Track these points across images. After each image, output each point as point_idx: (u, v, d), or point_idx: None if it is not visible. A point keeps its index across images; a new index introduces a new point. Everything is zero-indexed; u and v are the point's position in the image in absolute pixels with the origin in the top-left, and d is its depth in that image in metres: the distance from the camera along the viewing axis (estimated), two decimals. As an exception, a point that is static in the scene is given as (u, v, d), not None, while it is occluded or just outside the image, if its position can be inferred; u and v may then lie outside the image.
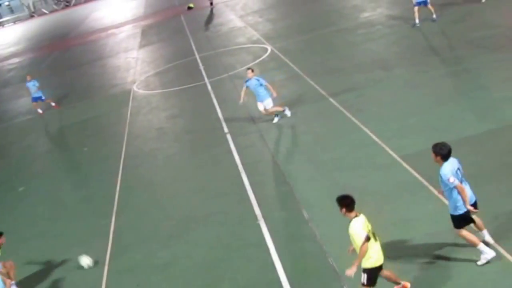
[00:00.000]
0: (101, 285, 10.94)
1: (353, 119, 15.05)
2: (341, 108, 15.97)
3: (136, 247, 11.90)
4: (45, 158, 19.33)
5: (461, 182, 8.36)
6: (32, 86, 24.55)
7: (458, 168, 8.43)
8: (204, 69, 24.62)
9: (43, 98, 24.68)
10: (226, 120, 17.65)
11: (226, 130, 16.84)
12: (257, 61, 23.71)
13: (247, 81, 16.20)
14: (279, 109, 16.41)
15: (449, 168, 8.27)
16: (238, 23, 33.87)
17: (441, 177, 8.30)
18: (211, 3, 44.50)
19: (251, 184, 13.01)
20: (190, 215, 12.58)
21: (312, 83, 18.89)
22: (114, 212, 13.68)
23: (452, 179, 8.22)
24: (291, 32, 27.45)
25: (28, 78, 24.85)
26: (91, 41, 44.73)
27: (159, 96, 22.72)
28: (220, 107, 19.03)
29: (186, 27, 37.93)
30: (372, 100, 16.04)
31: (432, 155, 8.36)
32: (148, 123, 19.74)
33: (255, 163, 14.12)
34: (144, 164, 16.14)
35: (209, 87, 21.72)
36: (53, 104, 25.14)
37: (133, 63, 30.90)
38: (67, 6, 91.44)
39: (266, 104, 16.21)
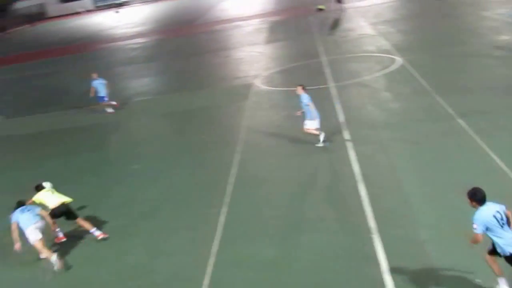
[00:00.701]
0: (204, 274, 11.23)
1: (481, 143, 14.61)
2: (469, 131, 15.53)
3: (244, 242, 12.14)
4: (160, 139, 20.09)
5: (502, 226, 8.48)
6: (100, 84, 24.14)
7: (498, 211, 8.53)
8: (329, 73, 24.68)
9: (105, 99, 24.26)
10: (347, 126, 17.62)
11: (346, 137, 16.81)
12: (384, 71, 23.46)
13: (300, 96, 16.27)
14: (315, 133, 16.40)
15: (483, 214, 8.47)
16: (368, 30, 33.62)
17: None
18: (339, 1, 44.54)
19: (368, 195, 12.93)
20: (301, 218, 12.68)
21: (440, 100, 18.48)
22: (225, 203, 14.01)
23: (475, 225, 8.44)
24: (422, 46, 26.94)
25: (94, 76, 24.27)
26: (217, 30, 45.97)
27: (280, 94, 23.00)
28: (342, 113, 19.01)
29: (314, 28, 38.11)
30: (504, 127, 15.47)
31: (468, 200, 8.62)
32: (267, 119, 20.05)
33: (374, 175, 14.01)
34: (259, 160, 16.41)
35: (333, 92, 21.75)
36: (111, 105, 24.64)
37: (257, 57, 31.46)
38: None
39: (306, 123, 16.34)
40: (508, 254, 8.55)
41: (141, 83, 30.42)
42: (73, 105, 27.47)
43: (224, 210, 13.67)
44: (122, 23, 66.37)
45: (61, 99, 29.76)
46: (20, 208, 12.68)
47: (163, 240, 12.81)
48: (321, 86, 22.77)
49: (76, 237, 13.66)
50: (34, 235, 12.40)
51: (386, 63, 24.69)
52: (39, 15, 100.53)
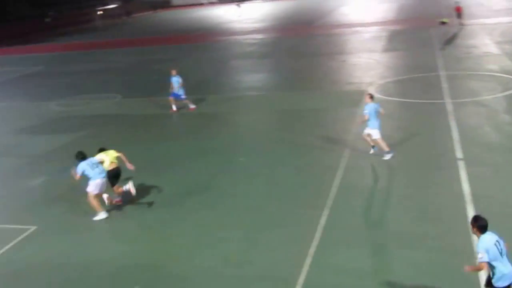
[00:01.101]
0: (299, 274, 11.28)
1: None
2: None
3: (342, 247, 12.08)
4: (268, 135, 20.31)
5: (502, 256, 8.61)
6: (175, 81, 24.18)
7: (498, 241, 8.67)
8: (446, 88, 24.04)
9: (182, 97, 24.26)
10: (460, 145, 17.11)
11: (458, 155, 16.33)
12: (506, 93, 22.57)
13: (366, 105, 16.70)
14: (384, 147, 16.61)
15: (485, 241, 8.57)
16: (492, 49, 32.42)
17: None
18: (459, 16, 43.27)
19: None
20: (402, 231, 12.46)
21: None
22: (327, 206, 14.00)
23: (480, 255, 8.50)
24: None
25: (173, 72, 24.03)
26: (334, 34, 45.84)
27: (393, 104, 22.64)
28: (456, 131, 18.47)
29: (434, 41, 37.19)
30: None
31: (470, 226, 8.80)
32: (377, 128, 19.81)
33: (484, 197, 13.53)
34: (365, 168, 16.26)
35: (448, 108, 21.16)
36: (191, 106, 24.55)
37: (373, 65, 31.12)
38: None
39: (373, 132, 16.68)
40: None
41: (254, 78, 30.88)
42: (188, 92, 28.33)
43: (325, 212, 13.66)
44: (242, 18, 67.60)
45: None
46: (86, 162, 14.50)
47: (263, 234, 12.96)
48: (436, 101, 22.22)
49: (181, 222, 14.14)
50: (96, 189, 14.41)
51: (509, 85, 23.73)
52: (163, 3, 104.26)
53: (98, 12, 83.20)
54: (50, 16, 78.67)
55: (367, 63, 31.75)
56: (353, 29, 47.83)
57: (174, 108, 24.57)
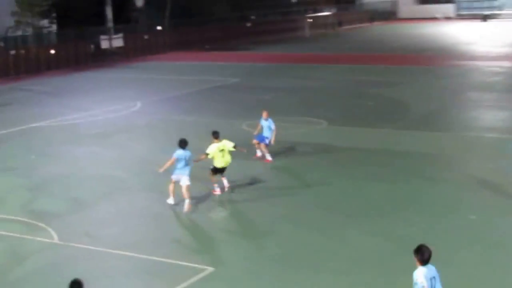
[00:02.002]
0: None
1: None
2: None
3: None
4: (508, 189, 19.40)
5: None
6: (267, 127, 23.44)
7: (434, 277, 10.10)
8: None
9: (266, 142, 23.46)
10: None
11: None
12: None
13: None
14: None
15: (424, 271, 10.00)
16: None
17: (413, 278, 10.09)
18: None
19: None
20: None
21: None
22: None
23: (420, 280, 9.94)
24: None
25: (264, 115, 23.62)
26: None
27: None
28: None
29: None
30: None
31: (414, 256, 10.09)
32: None
33: None
34: None
35: None
36: (268, 158, 23.61)
37: None
38: None
39: None
40: None
41: (497, 117, 29.76)
42: (409, 126, 28.06)
43: None
44: (485, 39, 65.77)
45: (395, 115, 30.55)
46: (184, 153, 18.63)
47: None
48: None
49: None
50: (186, 181, 18.55)
51: None
52: (388, 14, 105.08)
53: (308, 20, 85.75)
54: (251, 21, 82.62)
55: None
56: None
57: (258, 153, 23.96)
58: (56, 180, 22.22)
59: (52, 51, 56.38)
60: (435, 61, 51.50)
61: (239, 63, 55.44)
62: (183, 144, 18.78)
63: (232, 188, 20.27)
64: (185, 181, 18.63)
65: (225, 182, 20.20)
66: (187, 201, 18.60)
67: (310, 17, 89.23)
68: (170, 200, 19.07)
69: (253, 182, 21.21)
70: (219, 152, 19.68)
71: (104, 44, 62.51)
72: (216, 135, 19.84)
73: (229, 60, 58.43)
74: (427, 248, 10.09)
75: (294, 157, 24.23)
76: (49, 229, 17.44)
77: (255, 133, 24.21)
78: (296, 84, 41.61)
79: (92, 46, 61.31)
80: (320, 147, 25.54)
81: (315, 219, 17.76)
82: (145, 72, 51.49)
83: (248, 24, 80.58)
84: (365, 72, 46.01)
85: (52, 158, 25.32)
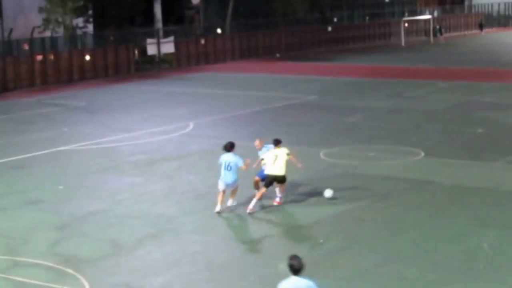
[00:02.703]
0: None
1: None
2: None
3: None
4: None
5: None
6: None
7: None
8: None
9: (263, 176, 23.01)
10: None
11: None
12: None
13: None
14: None
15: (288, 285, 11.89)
16: None
17: None
18: None
19: None
20: None
21: None
22: None
23: None
24: None
25: (258, 144, 23.41)
26: None
27: None
28: None
29: None
30: None
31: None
32: None
33: None
34: None
35: None
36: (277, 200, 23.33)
37: None
38: None
39: None
40: None
41: None
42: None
43: None
44: None
45: (510, 146, 30.24)
46: (229, 157, 22.40)
47: None
48: None
49: None
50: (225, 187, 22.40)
51: None
52: (505, 19, 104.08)
53: (404, 25, 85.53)
54: (333, 25, 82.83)
55: None
56: None
57: (277, 199, 23.46)
58: (89, 217, 22.57)
59: (88, 57, 57.47)
60: None
61: (317, 76, 55.66)
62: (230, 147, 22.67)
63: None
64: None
65: (278, 195, 23.30)
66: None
67: (407, 21, 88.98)
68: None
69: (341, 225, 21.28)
70: (273, 156, 22.44)
71: (151, 50, 63.41)
72: (277, 143, 22.83)
73: (306, 72, 58.72)
74: (298, 259, 12.00)
75: (384, 195, 24.14)
76: (79, 277, 17.68)
77: (254, 165, 23.42)
78: (388, 104, 41.57)
79: (136, 52, 62.24)
80: (415, 184, 25.45)
81: (409, 275, 17.66)
82: (200, 85, 52.16)
83: (329, 29, 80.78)
84: (474, 91, 45.69)
85: (84, 190, 25.77)
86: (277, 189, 23.21)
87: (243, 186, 22.97)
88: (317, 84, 50.46)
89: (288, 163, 22.72)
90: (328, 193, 23.44)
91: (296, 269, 11.79)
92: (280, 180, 22.75)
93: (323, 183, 25.49)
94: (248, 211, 22.24)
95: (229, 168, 22.22)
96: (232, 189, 22.63)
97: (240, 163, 22.29)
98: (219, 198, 22.37)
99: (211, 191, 24.34)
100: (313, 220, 21.76)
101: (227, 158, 22.32)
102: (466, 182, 25.44)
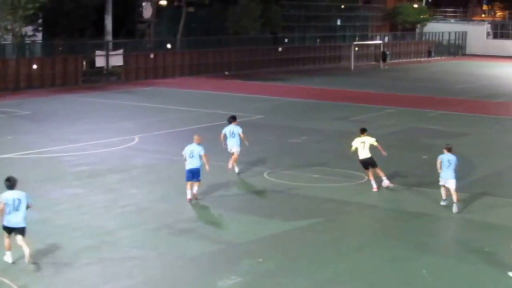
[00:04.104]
0: None
1: None
2: None
3: None
4: None
5: None
6: (197, 153, 25.38)
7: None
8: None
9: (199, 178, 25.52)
10: None
11: None
12: None
13: None
14: None
15: None
16: None
17: None
18: None
19: None
20: None
21: None
22: None
23: None
24: None
25: (196, 139, 25.71)
26: None
27: None
28: None
29: None
30: None
31: None
32: None
33: None
34: None
35: None
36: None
37: None
38: None
39: None
40: None
41: None
42: (468, 188, 28.05)
43: None
44: None
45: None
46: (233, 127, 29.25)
47: None
48: None
49: None
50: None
51: None
52: (455, 48, 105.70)
53: (354, 49, 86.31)
54: (284, 45, 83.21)
55: None
56: None
57: (188, 195, 25.41)
58: (28, 227, 22.19)
59: (35, 66, 57.03)
60: (508, 110, 51.66)
61: (265, 96, 55.85)
62: None
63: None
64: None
65: (385, 181, 27.49)
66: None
67: (357, 45, 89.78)
68: None
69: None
70: (360, 144, 27.36)
71: (100, 62, 63.25)
72: (363, 131, 28.12)
73: (254, 91, 58.90)
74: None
75: (325, 217, 24.36)
76: (15, 287, 17.58)
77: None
78: (336, 127, 41.93)
79: (84, 63, 61.96)
80: (358, 207, 25.80)
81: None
82: (148, 99, 52.10)
83: (280, 49, 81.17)
84: (420, 118, 46.15)
85: (24, 199, 25.53)
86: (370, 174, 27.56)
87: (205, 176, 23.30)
88: (265, 104, 50.66)
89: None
90: None
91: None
92: (371, 163, 27.39)
93: (265, 203, 25.70)
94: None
95: (233, 135, 29.17)
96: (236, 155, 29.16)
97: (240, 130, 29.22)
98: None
99: (153, 205, 24.42)
100: (254, 239, 21.87)
101: (232, 128, 29.36)
102: (408, 207, 25.72)
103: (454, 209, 24.63)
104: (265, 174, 29.58)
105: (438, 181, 25.47)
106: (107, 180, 28.39)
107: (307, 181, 28.88)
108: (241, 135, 29.22)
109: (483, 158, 34.00)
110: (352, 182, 28.94)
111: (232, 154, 29.28)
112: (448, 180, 24.99)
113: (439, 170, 25.17)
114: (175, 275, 19.02)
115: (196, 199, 25.40)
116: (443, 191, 25.32)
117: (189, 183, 25.18)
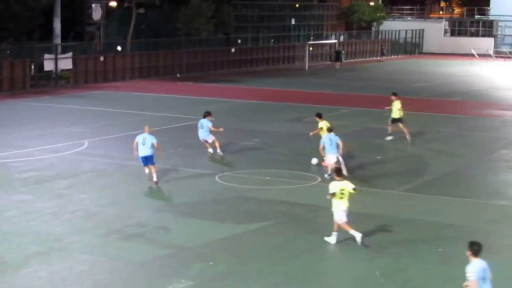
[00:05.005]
0: None
1: None
2: None
3: None
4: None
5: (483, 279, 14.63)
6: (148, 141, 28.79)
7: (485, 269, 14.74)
8: None
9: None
10: None
11: None
12: None
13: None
14: None
15: (475, 265, 14.66)
16: None
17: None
18: None
19: None
20: None
21: None
22: None
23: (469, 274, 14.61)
24: None
25: (147, 130, 29.47)
26: None
27: None
28: None
29: None
30: None
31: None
32: None
33: None
34: None
35: None
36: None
37: None
38: None
39: None
40: None
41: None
42: (421, 188, 28.48)
43: None
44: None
45: (406, 174, 31.06)
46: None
47: None
48: None
49: None
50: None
51: None
52: (412, 47, 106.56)
53: (308, 49, 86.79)
54: (237, 46, 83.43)
55: None
56: None
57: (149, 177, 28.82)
58: (-26, 234, 22.50)
59: (-20, 71, 56.76)
60: (463, 108, 52.51)
61: (218, 98, 55.98)
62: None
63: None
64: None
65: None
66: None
67: (312, 45, 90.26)
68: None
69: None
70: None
71: (48, 65, 63.00)
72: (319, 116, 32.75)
73: (206, 94, 59.04)
74: (479, 244, 14.92)
75: (277, 219, 24.67)
76: (-40, 296, 17.73)
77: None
78: (288, 129, 42.24)
79: (32, 67, 61.64)
80: (310, 209, 26.00)
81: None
82: (97, 103, 52.06)
83: (233, 50, 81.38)
84: (375, 118, 46.52)
85: (-32, 206, 25.62)
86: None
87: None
88: (217, 106, 50.74)
89: None
90: (314, 161, 31.73)
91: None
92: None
93: (216, 206, 25.95)
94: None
95: (202, 127, 33.65)
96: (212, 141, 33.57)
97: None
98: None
99: (101, 210, 24.60)
100: (204, 242, 22.11)
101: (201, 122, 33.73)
102: (361, 208, 25.79)
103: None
104: (216, 177, 29.81)
105: (394, 182, 25.77)
106: (55, 185, 28.46)
107: (259, 183, 29.18)
108: (211, 127, 33.69)
109: (437, 158, 34.54)
110: (304, 184, 29.27)
111: (208, 143, 33.87)
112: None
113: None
114: (124, 280, 19.23)
115: (156, 183, 28.06)
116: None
117: (146, 168, 28.47)
